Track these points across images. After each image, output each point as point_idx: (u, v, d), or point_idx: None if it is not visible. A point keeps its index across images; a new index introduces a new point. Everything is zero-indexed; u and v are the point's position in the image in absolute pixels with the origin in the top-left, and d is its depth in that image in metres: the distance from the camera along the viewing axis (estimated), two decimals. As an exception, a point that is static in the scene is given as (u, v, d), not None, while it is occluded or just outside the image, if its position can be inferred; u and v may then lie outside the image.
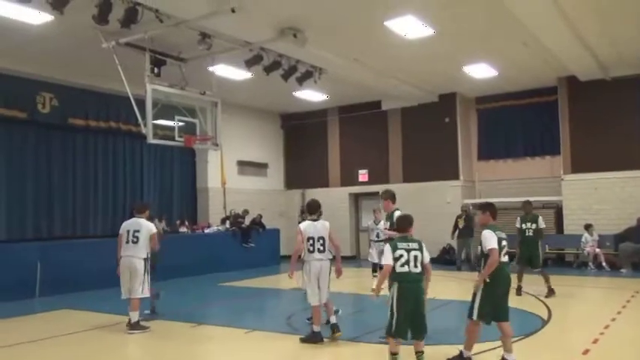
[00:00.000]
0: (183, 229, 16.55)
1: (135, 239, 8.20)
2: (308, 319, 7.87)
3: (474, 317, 5.79)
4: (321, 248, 7.12)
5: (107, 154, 15.77)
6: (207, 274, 14.28)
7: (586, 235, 14.95)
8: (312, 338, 7.11)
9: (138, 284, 8.18)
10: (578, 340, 7.16)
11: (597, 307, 10.11)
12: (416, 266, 5.55)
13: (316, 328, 7.13)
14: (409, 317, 5.48)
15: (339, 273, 7.26)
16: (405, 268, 5.51)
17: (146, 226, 8.34)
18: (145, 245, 8.25)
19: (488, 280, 5.72)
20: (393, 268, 5.51)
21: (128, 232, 8.27)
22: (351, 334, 7.40)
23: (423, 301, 5.61)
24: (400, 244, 5.59)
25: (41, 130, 14.11)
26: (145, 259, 8.27)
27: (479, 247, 5.98)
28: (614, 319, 8.29)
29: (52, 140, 14.44)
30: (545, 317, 8.48)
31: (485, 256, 5.78)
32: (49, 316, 9.85)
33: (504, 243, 5.89)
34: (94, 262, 12.35)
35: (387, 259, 5.54)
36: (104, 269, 12.35)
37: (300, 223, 7.56)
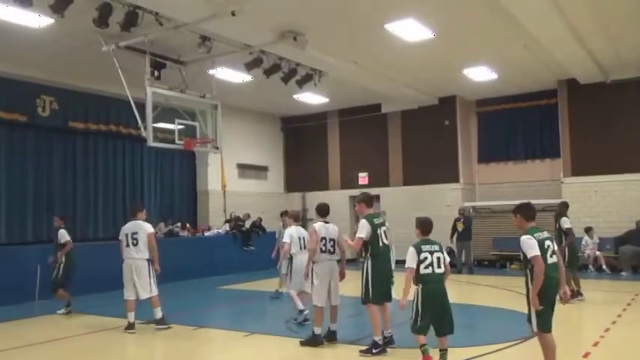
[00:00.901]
0: (183, 233, 16.56)
1: (134, 241, 8.32)
2: (295, 320, 8.01)
3: (535, 329, 5.39)
4: (332, 250, 7.18)
5: (107, 157, 15.76)
6: (207, 277, 14.26)
7: (586, 238, 14.93)
8: (313, 341, 7.08)
9: (146, 284, 8.35)
10: (578, 343, 7.15)
11: (598, 310, 10.08)
12: (439, 267, 5.74)
13: (317, 330, 7.09)
14: (435, 317, 5.65)
15: (342, 276, 7.32)
16: (429, 270, 5.69)
17: (143, 227, 8.44)
18: (145, 246, 8.35)
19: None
20: (417, 270, 5.68)
21: (127, 235, 8.38)
22: (352, 337, 7.38)
23: (447, 300, 5.75)
24: (424, 247, 5.78)
25: (41, 133, 14.11)
26: (148, 260, 8.38)
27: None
28: (614, 322, 8.27)
29: (53, 143, 14.45)
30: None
31: (528, 263, 5.24)
32: (48, 319, 9.83)
33: (548, 243, 5.30)
34: (94, 265, 12.34)
35: (411, 263, 5.72)
36: (104, 273, 12.37)
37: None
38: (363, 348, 6.60)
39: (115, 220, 15.81)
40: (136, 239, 8.33)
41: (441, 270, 5.75)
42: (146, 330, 8.57)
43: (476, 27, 11.33)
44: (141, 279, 8.31)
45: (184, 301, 11.77)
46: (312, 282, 7.23)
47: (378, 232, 6.70)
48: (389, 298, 6.46)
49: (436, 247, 5.83)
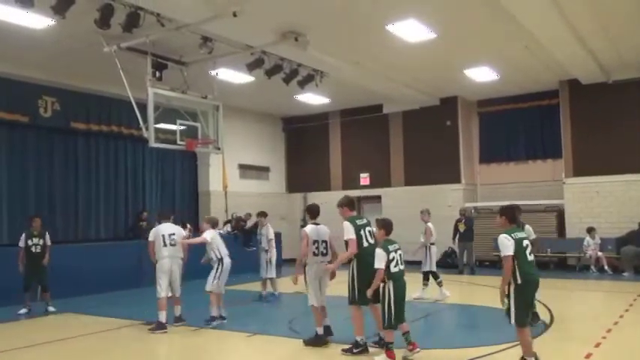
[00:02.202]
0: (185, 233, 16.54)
1: (173, 242, 8.80)
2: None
3: (512, 322, 5.65)
4: (325, 251, 7.28)
5: (109, 158, 15.77)
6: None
7: (588, 238, 14.92)
8: (316, 340, 7.14)
9: (179, 283, 8.95)
10: (580, 344, 7.13)
11: (600, 311, 10.08)
12: (402, 264, 6.36)
13: (319, 331, 7.20)
14: (401, 308, 6.27)
15: (333, 276, 7.39)
16: (397, 268, 6.29)
17: (179, 230, 9.08)
18: (180, 247, 8.86)
19: (520, 282, 5.55)
20: (387, 268, 6.19)
21: (164, 236, 8.77)
22: (351, 338, 7.35)
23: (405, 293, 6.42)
24: (390, 247, 6.33)
25: (43, 133, 14.12)
26: (182, 259, 8.97)
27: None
28: (616, 323, 8.26)
29: (54, 144, 14.46)
30: (548, 321, 8.45)
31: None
32: (51, 319, 9.86)
33: (526, 242, 5.72)
34: (96, 266, 12.37)
35: (381, 264, 6.19)
36: (106, 273, 12.42)
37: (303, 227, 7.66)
38: (346, 347, 6.69)
39: (117, 221, 15.85)
40: (174, 240, 8.78)
41: (403, 267, 6.37)
42: (144, 331, 8.58)
43: (477, 27, 11.33)
44: (178, 278, 8.86)
45: (186, 302, 11.76)
46: (305, 284, 7.40)
47: (362, 232, 6.78)
48: (377, 299, 6.48)
49: (397, 246, 6.42)
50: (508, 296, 5.62)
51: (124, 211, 16.05)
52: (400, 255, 6.38)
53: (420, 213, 11.36)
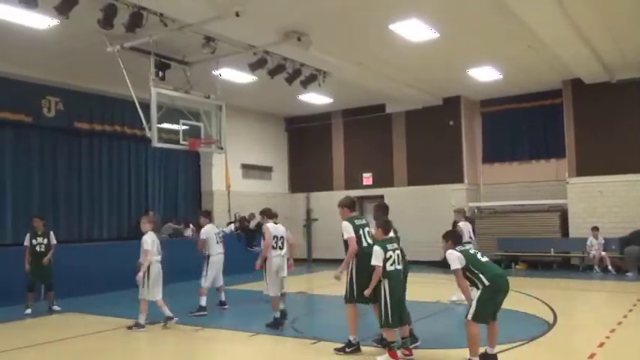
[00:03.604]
0: (188, 233, 16.58)
1: (220, 240, 10.12)
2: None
3: (469, 317, 5.87)
4: (281, 246, 8.46)
5: (112, 157, 15.81)
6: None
7: (591, 238, 14.89)
8: (275, 323, 8.22)
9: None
10: (584, 344, 7.12)
11: (603, 311, 10.06)
12: (399, 263, 6.39)
13: (277, 314, 8.29)
14: (400, 308, 6.30)
15: (290, 268, 8.77)
16: (393, 267, 6.32)
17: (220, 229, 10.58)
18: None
19: (488, 284, 5.81)
20: (384, 267, 6.24)
21: (216, 234, 10.07)
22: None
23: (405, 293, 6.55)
24: (388, 246, 6.38)
25: (47, 133, 14.17)
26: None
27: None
28: (620, 323, 8.24)
29: (58, 144, 14.50)
30: (551, 321, 8.44)
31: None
32: (55, 319, 9.88)
33: (473, 250, 6.23)
34: (100, 265, 12.39)
35: (379, 261, 6.23)
36: (110, 273, 12.42)
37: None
38: (339, 346, 6.72)
39: (120, 221, 15.87)
40: (221, 238, 10.17)
41: (400, 266, 6.38)
42: (151, 330, 8.60)
43: (480, 27, 11.31)
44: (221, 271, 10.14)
45: (188, 302, 11.78)
46: (264, 276, 8.36)
47: (361, 232, 6.81)
48: (376, 298, 6.44)
49: (395, 246, 6.48)
50: (475, 295, 5.91)
51: (128, 211, 16.07)
52: (398, 255, 6.40)
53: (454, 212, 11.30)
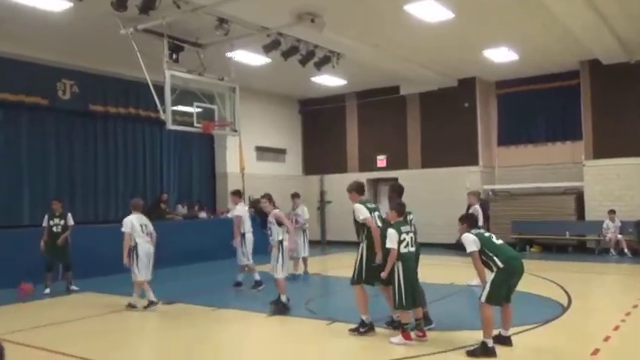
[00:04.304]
0: (202, 215, 16.72)
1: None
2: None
3: (483, 299, 5.87)
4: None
5: (127, 140, 15.91)
6: (227, 258, 14.36)
7: (607, 221, 14.76)
8: (281, 307, 8.17)
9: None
10: (598, 327, 7.10)
11: (619, 294, 10.01)
12: (412, 246, 6.47)
13: (283, 298, 8.18)
14: (414, 290, 6.36)
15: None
16: (407, 249, 6.40)
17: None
18: None
19: (502, 266, 5.81)
20: (398, 249, 6.31)
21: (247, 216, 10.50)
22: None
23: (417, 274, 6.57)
24: (402, 229, 6.45)
25: (62, 116, 14.27)
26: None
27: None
28: (635, 306, 8.19)
29: (74, 127, 14.61)
30: (566, 304, 8.41)
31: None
32: (73, 298, 10.06)
33: (488, 234, 6.20)
34: (117, 246, 12.50)
35: (393, 244, 6.29)
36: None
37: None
38: (353, 327, 6.80)
39: (136, 202, 16.00)
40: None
41: (413, 249, 6.48)
42: (167, 310, 8.72)
43: (495, 6, 11.12)
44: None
45: (204, 282, 11.93)
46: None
47: (372, 215, 6.80)
48: (388, 280, 6.49)
49: (409, 228, 6.54)
50: (490, 278, 5.89)
51: (143, 193, 16.19)
52: (412, 237, 6.48)
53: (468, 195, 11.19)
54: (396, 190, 7.31)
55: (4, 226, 12.67)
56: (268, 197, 8.84)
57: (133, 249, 8.61)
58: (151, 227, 8.90)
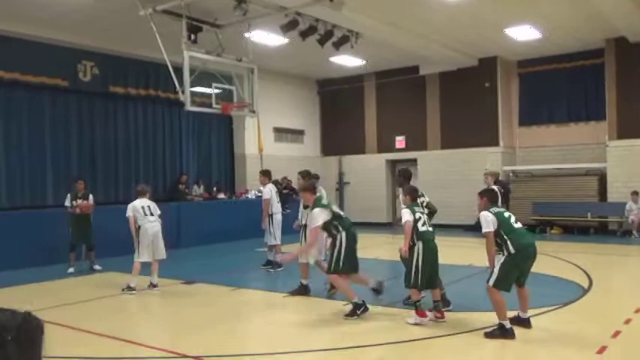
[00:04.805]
0: (221, 195, 16.85)
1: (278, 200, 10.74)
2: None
3: (490, 283, 5.81)
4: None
5: (147, 121, 16.02)
6: (246, 239, 14.51)
7: (630, 202, 14.54)
8: (301, 290, 8.02)
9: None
10: (619, 310, 7.03)
11: (640, 277, 9.88)
12: (430, 226, 6.53)
13: (305, 282, 8.01)
14: (431, 271, 6.37)
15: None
16: (426, 227, 6.45)
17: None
18: None
19: (513, 252, 5.70)
20: (416, 228, 6.35)
21: (275, 193, 10.52)
22: (387, 300, 7.44)
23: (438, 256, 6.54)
24: (416, 209, 6.58)
25: (83, 98, 14.40)
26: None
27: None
28: (658, 289, 8.10)
29: (94, 108, 14.73)
30: (586, 286, 8.34)
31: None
32: (96, 278, 10.26)
33: (507, 214, 6.02)
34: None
35: (409, 217, 6.39)
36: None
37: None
38: (347, 312, 6.83)
39: (156, 183, 16.18)
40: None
41: (432, 229, 6.51)
42: (185, 289, 8.85)
43: (519, -16, 10.88)
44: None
45: (223, 263, 12.07)
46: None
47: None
48: (357, 268, 7.00)
49: (422, 210, 6.70)
50: (499, 262, 5.79)
51: (162, 174, 16.38)
52: (427, 218, 6.56)
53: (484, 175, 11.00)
54: (404, 175, 7.50)
55: (28, 206, 12.94)
56: (306, 174, 8.70)
57: (137, 231, 8.69)
58: (156, 210, 8.92)
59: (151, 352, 5.75)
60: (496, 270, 5.74)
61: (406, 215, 6.43)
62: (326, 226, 7.04)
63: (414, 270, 6.32)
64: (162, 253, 8.81)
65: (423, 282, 6.32)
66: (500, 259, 5.78)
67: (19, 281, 9.55)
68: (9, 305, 1.45)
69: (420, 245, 6.35)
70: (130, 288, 8.61)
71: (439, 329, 6.17)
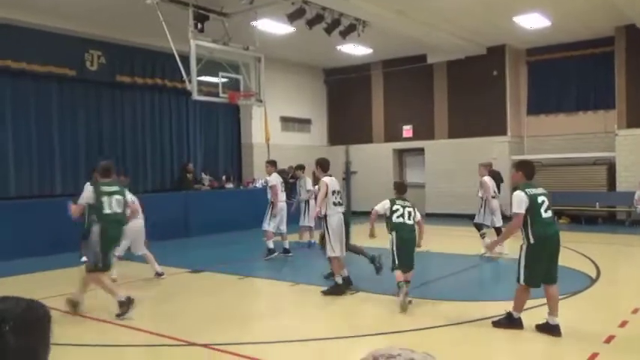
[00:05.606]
0: (229, 185, 16.88)
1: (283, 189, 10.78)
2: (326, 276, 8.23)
3: (521, 282, 5.60)
4: (341, 201, 7.77)
5: (154, 110, 16.02)
6: (253, 228, 14.55)
7: (639, 192, 14.43)
8: (336, 289, 7.53)
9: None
10: (627, 299, 7.02)
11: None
12: (409, 219, 6.97)
13: (339, 280, 7.59)
14: (406, 257, 6.95)
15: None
16: (401, 220, 6.94)
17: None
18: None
19: (532, 242, 5.48)
20: (391, 219, 6.95)
21: (281, 183, 10.57)
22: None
23: (414, 246, 7.08)
24: (397, 202, 7.07)
25: (90, 87, 14.41)
26: None
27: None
28: (666, 279, 8.06)
29: (101, 97, 14.74)
30: (594, 276, 8.31)
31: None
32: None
33: (542, 199, 5.60)
34: (145, 216, 12.76)
35: (381, 209, 7.06)
36: (154, 223, 12.81)
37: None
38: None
39: (163, 172, 16.24)
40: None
41: (411, 222, 6.98)
42: (191, 277, 8.90)
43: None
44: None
45: (230, 252, 12.12)
46: (327, 236, 7.66)
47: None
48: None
49: (408, 204, 7.10)
50: (520, 255, 5.60)
51: (170, 163, 16.41)
52: (409, 212, 7.00)
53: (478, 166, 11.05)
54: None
55: (38, 195, 13.02)
56: (321, 163, 8.47)
57: None
58: (133, 199, 8.90)
59: (160, 339, 5.80)
60: (522, 266, 5.52)
61: (380, 206, 7.09)
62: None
63: (391, 255, 6.98)
64: (140, 249, 8.90)
65: (398, 265, 6.88)
66: (522, 251, 5.57)
67: (31, 269, 9.63)
68: (21, 294, 1.45)
69: (393, 234, 6.95)
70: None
71: (441, 319, 6.17)
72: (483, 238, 10.43)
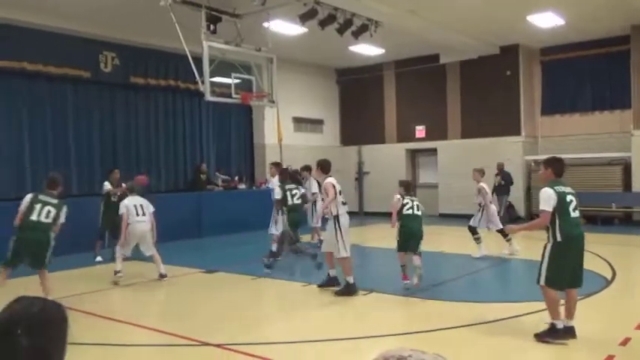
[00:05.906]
0: (242, 186, 16.93)
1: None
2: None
3: (542, 282, 5.37)
4: (345, 201, 8.01)
5: (167, 112, 16.12)
6: (265, 229, 14.58)
7: (656, 192, 14.26)
8: (348, 290, 7.50)
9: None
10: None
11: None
12: (418, 210, 7.88)
13: (350, 280, 7.52)
14: (413, 242, 7.78)
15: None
16: (410, 212, 7.83)
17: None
18: None
19: (560, 240, 5.26)
20: (401, 211, 7.81)
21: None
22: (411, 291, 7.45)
23: (421, 233, 7.89)
24: (407, 197, 7.99)
25: (104, 88, 14.54)
26: None
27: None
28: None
29: (115, 99, 14.87)
30: (610, 277, 8.23)
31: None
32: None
33: (570, 198, 5.43)
34: (159, 216, 12.81)
35: (396, 204, 7.87)
36: (168, 223, 12.90)
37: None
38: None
39: (177, 173, 16.34)
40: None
41: (419, 212, 7.89)
42: (206, 278, 8.94)
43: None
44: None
45: (243, 252, 12.16)
46: (336, 237, 7.60)
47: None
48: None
49: (415, 199, 8.04)
50: (543, 254, 5.36)
51: (183, 164, 16.51)
52: (417, 205, 7.89)
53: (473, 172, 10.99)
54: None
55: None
56: (322, 165, 8.52)
57: (126, 228, 8.89)
58: (149, 207, 9.04)
59: (174, 339, 5.83)
60: (544, 266, 5.29)
61: (394, 201, 7.99)
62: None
63: (397, 239, 7.87)
64: (148, 249, 8.93)
65: (401, 247, 7.79)
66: (546, 250, 5.35)
67: (49, 269, 9.71)
68: (37, 294, 1.45)
69: (404, 223, 7.82)
70: (116, 272, 8.78)
71: (457, 320, 6.15)
72: (478, 242, 10.20)
